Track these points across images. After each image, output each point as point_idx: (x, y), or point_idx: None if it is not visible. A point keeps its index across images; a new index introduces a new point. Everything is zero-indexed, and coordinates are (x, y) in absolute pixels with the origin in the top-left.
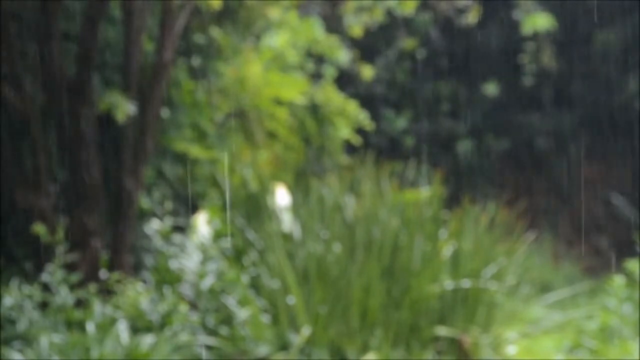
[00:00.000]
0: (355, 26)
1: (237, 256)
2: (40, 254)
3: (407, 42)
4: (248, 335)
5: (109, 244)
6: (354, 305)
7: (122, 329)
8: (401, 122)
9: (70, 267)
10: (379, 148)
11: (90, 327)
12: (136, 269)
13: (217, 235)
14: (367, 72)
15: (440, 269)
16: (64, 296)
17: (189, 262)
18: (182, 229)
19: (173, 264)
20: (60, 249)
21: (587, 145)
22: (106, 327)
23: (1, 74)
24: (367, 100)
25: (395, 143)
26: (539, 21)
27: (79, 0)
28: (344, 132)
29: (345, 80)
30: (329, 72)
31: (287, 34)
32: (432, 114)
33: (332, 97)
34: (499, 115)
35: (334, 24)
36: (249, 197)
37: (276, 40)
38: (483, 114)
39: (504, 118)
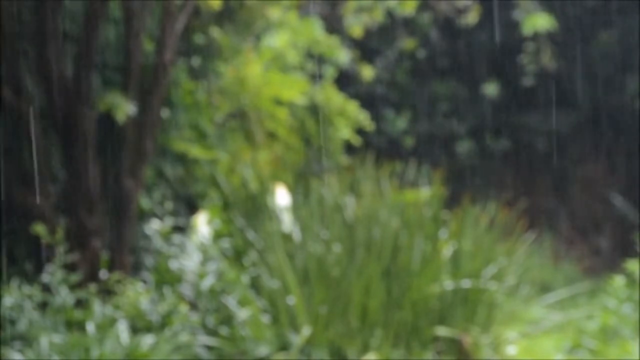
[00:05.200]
0: (355, 26)
1: (237, 256)
2: (40, 254)
3: (407, 42)
4: (248, 335)
5: (109, 244)
6: (354, 305)
7: (122, 329)
8: (401, 123)
9: (70, 267)
10: (379, 148)
11: (90, 327)
12: (136, 269)
13: (217, 235)
14: (367, 72)
15: (440, 269)
16: (64, 296)
17: (189, 262)
18: (182, 229)
19: (173, 264)
20: (60, 249)
21: (587, 145)
22: (106, 327)
23: (1, 74)
24: (367, 101)
25: (395, 143)
26: (539, 21)
27: (79, 0)
28: (344, 132)
29: (346, 81)
30: (329, 72)
31: (287, 34)
32: (432, 114)
33: (332, 97)
34: (499, 115)
35: (334, 24)
36: (249, 197)
37: (276, 40)
38: (483, 114)
39: (504, 118)
